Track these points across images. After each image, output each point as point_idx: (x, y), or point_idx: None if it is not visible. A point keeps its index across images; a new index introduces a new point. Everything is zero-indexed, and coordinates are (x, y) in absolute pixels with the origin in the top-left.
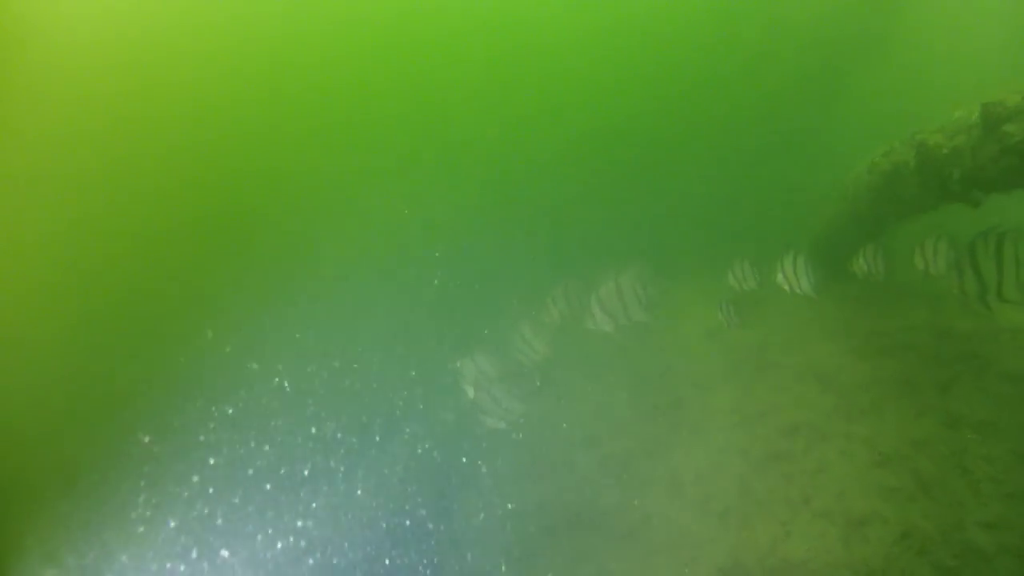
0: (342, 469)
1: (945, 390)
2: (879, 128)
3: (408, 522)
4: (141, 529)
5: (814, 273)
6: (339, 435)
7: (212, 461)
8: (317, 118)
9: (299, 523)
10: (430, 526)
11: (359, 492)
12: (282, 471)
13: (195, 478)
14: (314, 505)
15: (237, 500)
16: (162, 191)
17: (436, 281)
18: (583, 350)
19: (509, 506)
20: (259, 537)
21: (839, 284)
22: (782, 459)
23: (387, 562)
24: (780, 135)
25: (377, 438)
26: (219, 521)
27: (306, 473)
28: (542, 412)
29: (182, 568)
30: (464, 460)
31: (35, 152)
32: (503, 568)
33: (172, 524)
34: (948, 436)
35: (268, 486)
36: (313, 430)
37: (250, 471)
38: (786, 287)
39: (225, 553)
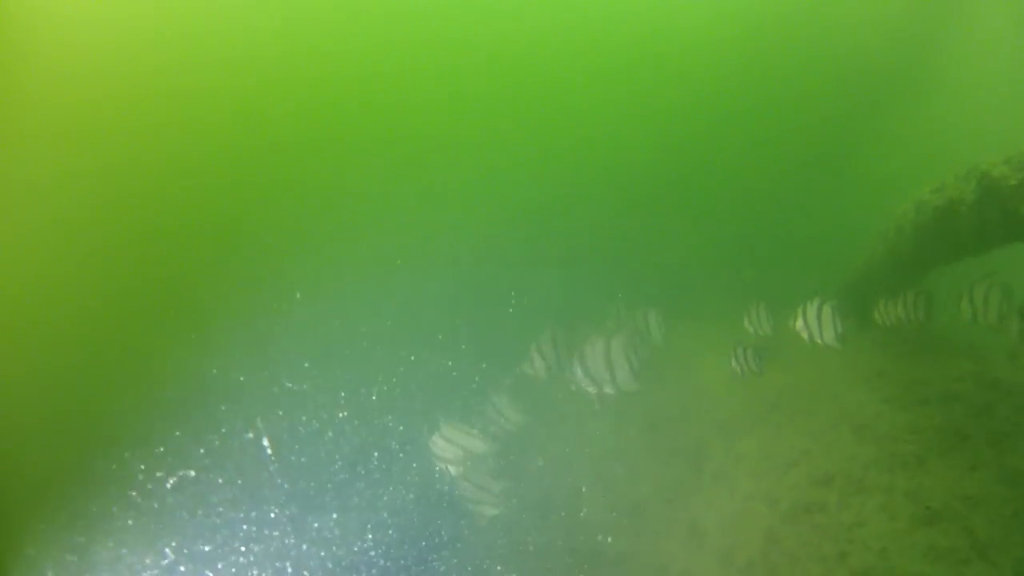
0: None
1: (998, 443)
2: (914, 170)
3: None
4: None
5: (840, 322)
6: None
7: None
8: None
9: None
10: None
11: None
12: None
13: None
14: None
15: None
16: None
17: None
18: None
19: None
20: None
21: (871, 331)
22: (815, 511)
23: None
24: (805, 182)
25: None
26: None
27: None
28: (551, 455)
29: None
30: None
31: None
32: None
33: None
34: (1006, 493)
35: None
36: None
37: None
38: (805, 335)
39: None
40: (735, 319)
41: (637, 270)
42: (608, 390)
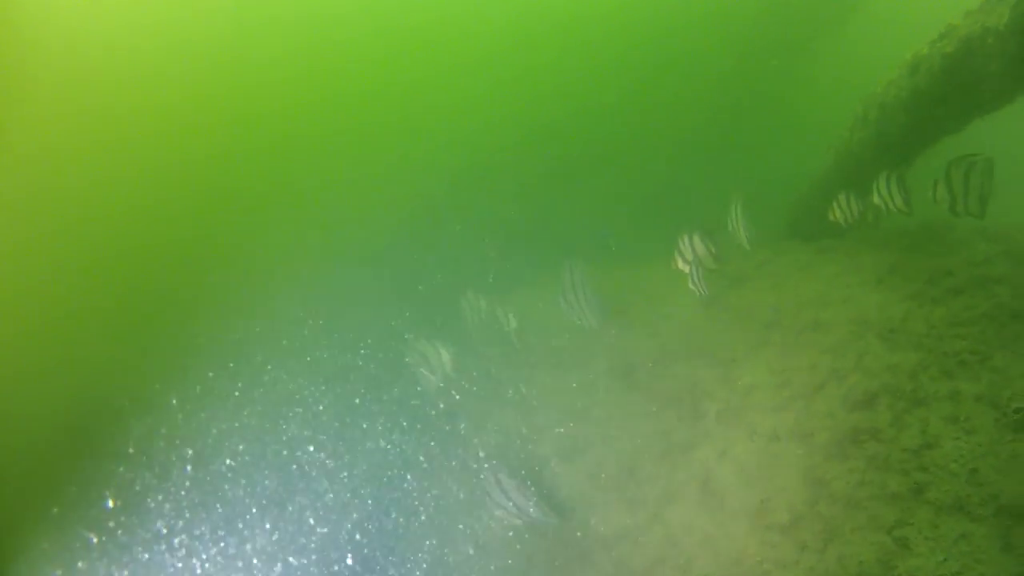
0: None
1: None
2: None
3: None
4: None
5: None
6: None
7: None
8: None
9: None
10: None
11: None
12: None
13: None
14: None
15: None
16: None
17: None
18: (549, 344)
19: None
20: None
21: (856, 229)
22: (865, 439)
23: None
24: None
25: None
26: None
27: None
28: (504, 418)
29: None
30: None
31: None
32: None
33: None
34: None
35: None
36: None
37: None
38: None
39: None
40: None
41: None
42: (570, 338)
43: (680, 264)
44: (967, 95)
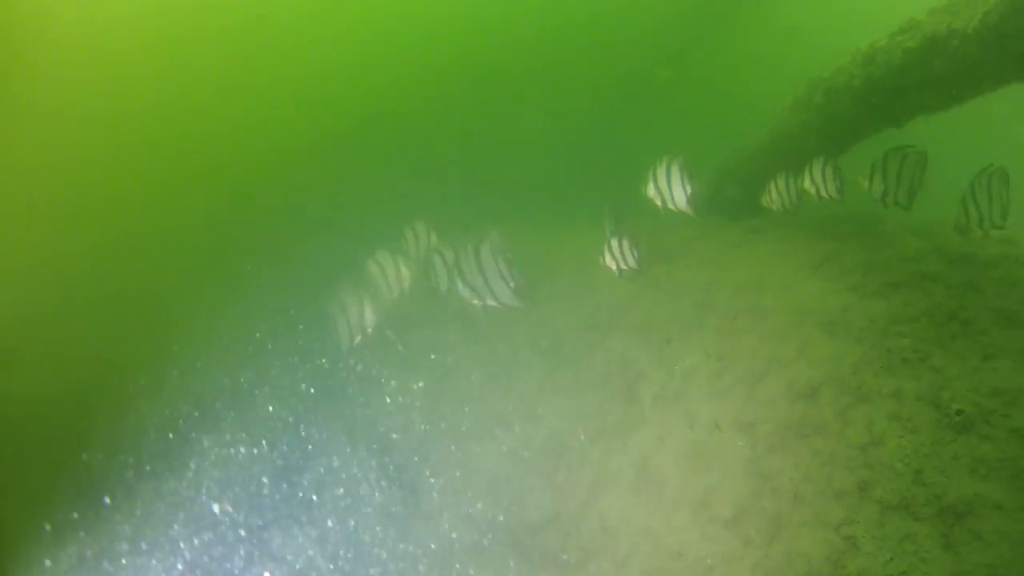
0: None
1: (1008, 324)
2: None
3: None
4: None
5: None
6: None
7: None
8: None
9: None
10: None
11: None
12: None
13: None
14: None
15: None
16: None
17: None
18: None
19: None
20: None
21: (788, 213)
22: (810, 432)
23: None
24: None
25: None
26: None
27: None
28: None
29: None
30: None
31: None
32: None
33: None
34: None
35: None
36: None
37: None
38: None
39: None
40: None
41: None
42: (484, 311)
43: (607, 262)
44: (922, 92)
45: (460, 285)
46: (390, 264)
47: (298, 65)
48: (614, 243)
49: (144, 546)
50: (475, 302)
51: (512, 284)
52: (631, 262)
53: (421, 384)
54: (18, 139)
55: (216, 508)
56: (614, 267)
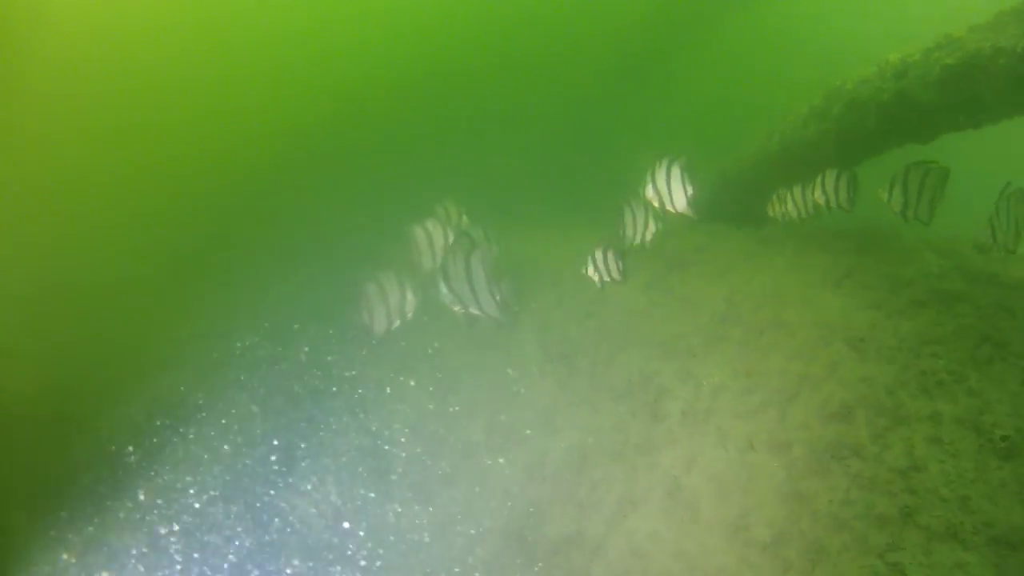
0: None
1: None
2: None
3: None
4: None
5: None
6: None
7: None
8: None
9: None
10: None
11: None
12: None
13: None
14: None
15: None
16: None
17: None
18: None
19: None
20: None
21: (796, 225)
22: (847, 455)
23: None
24: None
25: None
26: None
27: None
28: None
29: None
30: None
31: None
32: None
33: None
34: None
35: None
36: None
37: None
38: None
39: None
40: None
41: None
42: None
43: (590, 272)
44: (956, 109)
45: (443, 289)
46: (393, 283)
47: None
48: (598, 253)
49: None
50: (456, 308)
51: (498, 296)
52: (615, 274)
53: (428, 388)
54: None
55: None
56: (596, 279)
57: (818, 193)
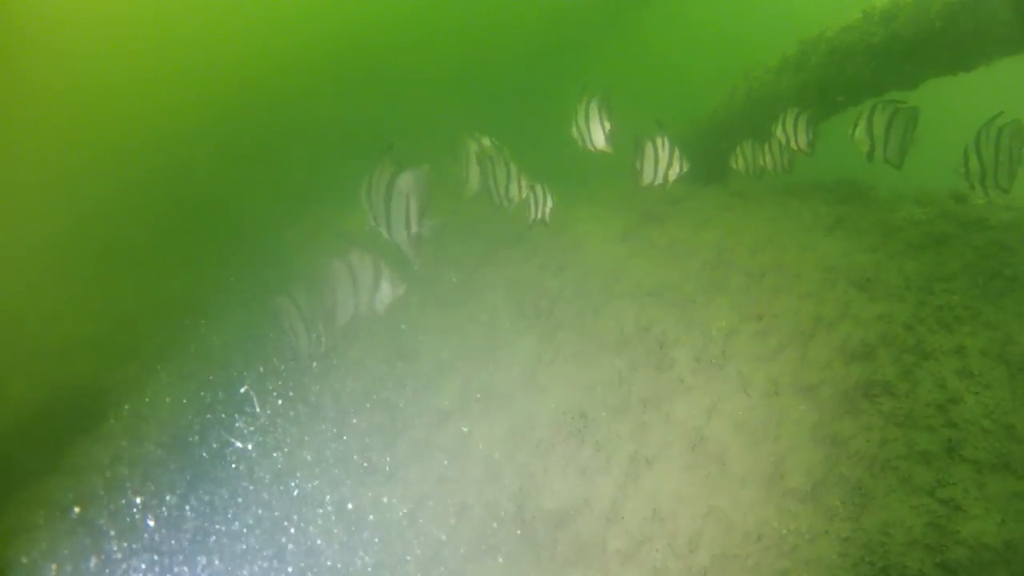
0: None
1: None
2: None
3: None
4: None
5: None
6: None
7: None
8: None
9: None
10: None
11: None
12: None
13: None
14: None
15: None
16: None
17: None
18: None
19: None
20: None
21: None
22: (878, 393)
23: None
24: None
25: None
26: None
27: None
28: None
29: None
30: None
31: None
32: None
33: None
34: None
35: None
36: None
37: None
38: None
39: None
40: None
41: None
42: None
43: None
44: (951, 48)
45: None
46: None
47: None
48: (537, 189)
49: None
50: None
51: (414, 230)
52: (545, 213)
53: (380, 354)
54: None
55: None
56: (530, 216)
57: (779, 131)
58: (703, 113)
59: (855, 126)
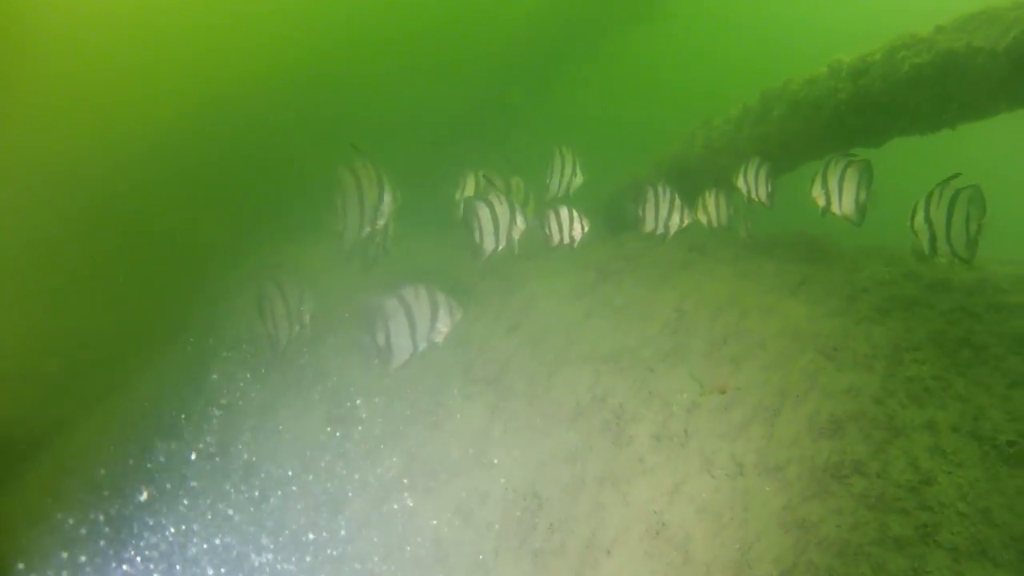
0: None
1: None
2: None
3: None
4: None
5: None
6: None
7: None
8: None
9: None
10: None
11: None
12: None
13: None
14: None
15: None
16: None
17: None
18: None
19: None
20: None
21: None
22: (848, 473)
23: None
24: None
25: None
26: None
27: None
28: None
29: None
30: None
31: None
32: None
33: None
34: None
35: None
36: None
37: None
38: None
39: None
40: None
41: None
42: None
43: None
44: (923, 110)
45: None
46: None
47: None
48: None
49: None
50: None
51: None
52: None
53: (318, 418)
54: None
55: None
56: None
57: (739, 182)
58: (662, 158)
59: (913, 214)
